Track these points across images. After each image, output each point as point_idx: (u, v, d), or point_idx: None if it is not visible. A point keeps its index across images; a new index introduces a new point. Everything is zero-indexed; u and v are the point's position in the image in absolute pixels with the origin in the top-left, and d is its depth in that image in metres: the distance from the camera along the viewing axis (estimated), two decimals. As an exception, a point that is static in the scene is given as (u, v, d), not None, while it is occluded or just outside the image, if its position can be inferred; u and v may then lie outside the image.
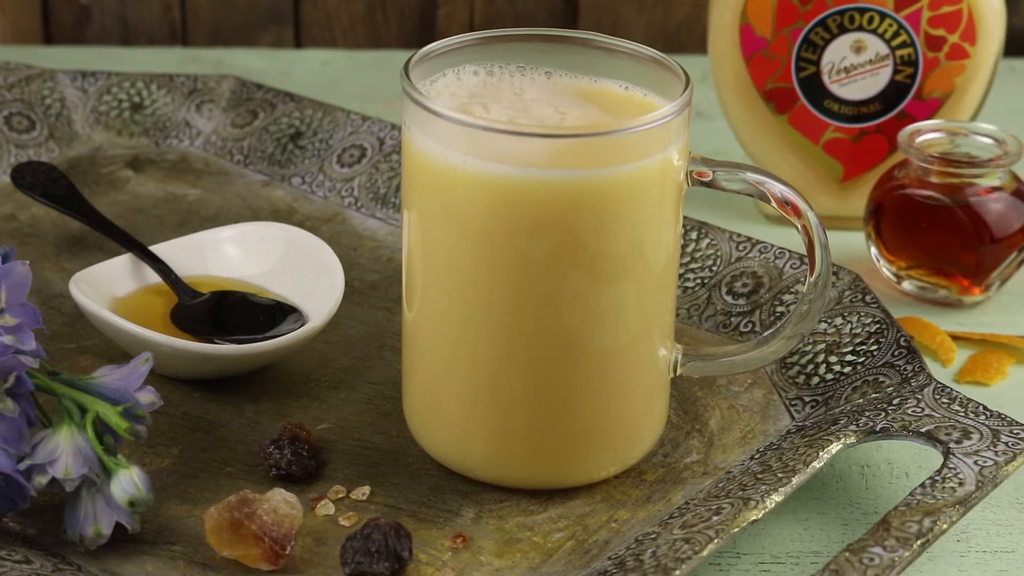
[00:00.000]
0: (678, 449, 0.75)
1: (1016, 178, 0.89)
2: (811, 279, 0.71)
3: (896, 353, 0.78)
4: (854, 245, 0.95)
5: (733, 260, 0.86)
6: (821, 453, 0.71)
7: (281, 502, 0.67)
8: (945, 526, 0.66)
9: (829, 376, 0.79)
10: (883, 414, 0.73)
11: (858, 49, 0.94)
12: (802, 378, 0.79)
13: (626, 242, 0.68)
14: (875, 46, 0.94)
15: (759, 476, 0.70)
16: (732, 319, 0.84)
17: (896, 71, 0.94)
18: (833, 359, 0.79)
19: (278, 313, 0.81)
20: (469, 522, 0.70)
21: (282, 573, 0.67)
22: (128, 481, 0.66)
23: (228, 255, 0.85)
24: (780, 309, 0.83)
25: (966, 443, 0.71)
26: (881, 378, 0.76)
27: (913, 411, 0.73)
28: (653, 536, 0.68)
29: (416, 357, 0.73)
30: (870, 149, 0.96)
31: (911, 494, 0.68)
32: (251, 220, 0.94)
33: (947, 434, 0.71)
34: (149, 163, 1.00)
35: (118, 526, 0.67)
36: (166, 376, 0.78)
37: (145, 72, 1.05)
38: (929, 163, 0.88)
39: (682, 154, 0.69)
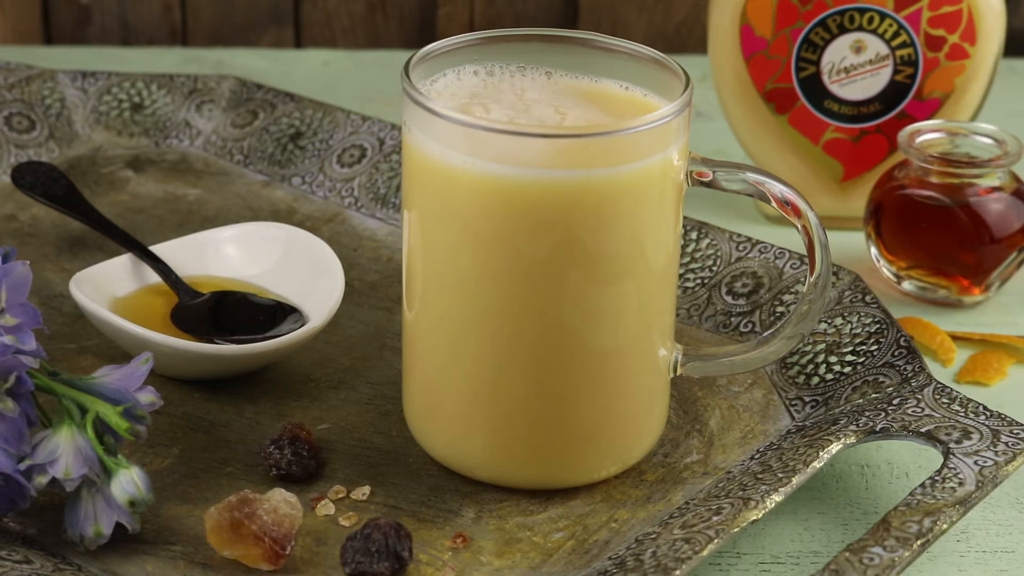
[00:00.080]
0: (678, 449, 0.75)
1: (1016, 178, 0.89)
2: (811, 279, 0.71)
3: (896, 353, 0.78)
4: (854, 245, 0.95)
5: (733, 260, 0.86)
6: (821, 453, 0.71)
7: (281, 502, 0.67)
8: (945, 526, 0.66)
9: (829, 376, 0.79)
10: (883, 414, 0.73)
11: (858, 49, 0.94)
12: (802, 378, 0.79)
13: (626, 242, 0.68)
14: (875, 46, 0.94)
15: (759, 476, 0.70)
16: (732, 319, 0.84)
17: (896, 71, 0.94)
18: (833, 359, 0.79)
19: (278, 313, 0.81)
20: (469, 522, 0.70)
21: (282, 573, 0.67)
22: (128, 481, 0.66)
23: (228, 255, 0.85)
24: (780, 309, 0.83)
25: (966, 443, 0.71)
26: (881, 378, 0.77)
27: (913, 411, 0.73)
28: (653, 536, 0.68)
29: (416, 357, 0.73)
30: (870, 149, 0.96)
31: (911, 494, 0.68)
32: (251, 220, 0.94)
33: (947, 434, 0.71)
34: (149, 163, 1.00)
35: (118, 526, 0.67)
36: (166, 376, 0.78)
37: (145, 72, 1.05)
38: (929, 163, 0.88)
39: (682, 154, 0.69)
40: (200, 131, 1.02)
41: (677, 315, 0.79)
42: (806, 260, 0.83)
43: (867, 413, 0.74)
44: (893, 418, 0.73)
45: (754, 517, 0.67)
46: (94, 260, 0.88)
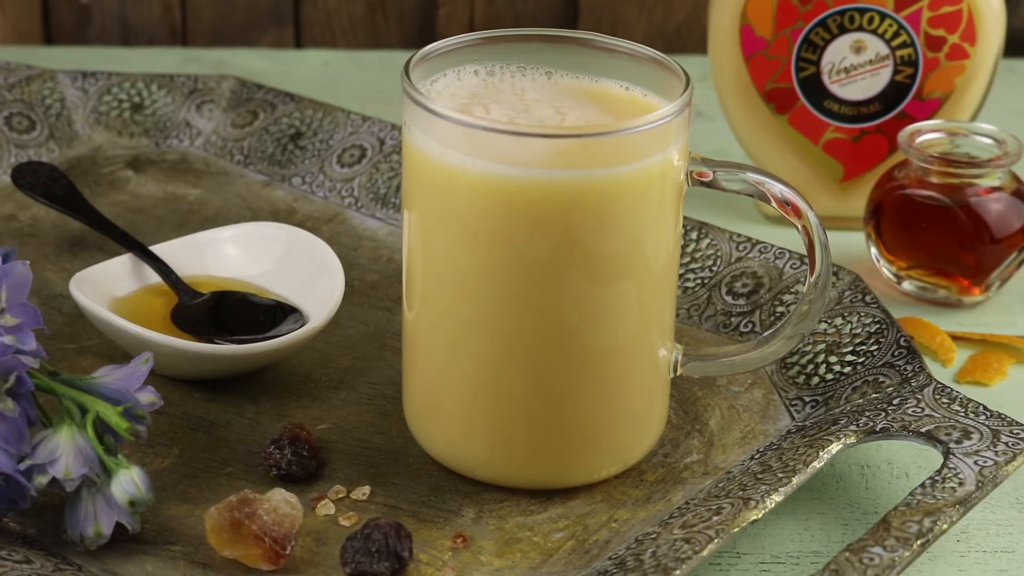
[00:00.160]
0: (678, 449, 0.75)
1: (1016, 178, 0.89)
2: (811, 279, 0.71)
3: (896, 353, 0.78)
4: (854, 245, 0.95)
5: (733, 260, 0.86)
6: (821, 453, 0.71)
7: (281, 502, 0.67)
8: (945, 526, 0.66)
9: (829, 376, 0.79)
10: (883, 414, 0.73)
11: (858, 49, 0.94)
12: (802, 378, 0.79)
13: (626, 242, 0.68)
14: (875, 46, 0.94)
15: (759, 476, 0.70)
16: (732, 319, 0.84)
17: (896, 71, 0.94)
18: (833, 359, 0.79)
19: (278, 313, 0.81)
20: (469, 522, 0.70)
21: (282, 573, 0.67)
22: (128, 481, 0.66)
23: (228, 255, 0.85)
24: (780, 309, 0.83)
25: (966, 443, 0.71)
26: (881, 378, 0.77)
27: (913, 411, 0.73)
28: (653, 536, 0.68)
29: (416, 357, 0.73)
30: (870, 149, 0.96)
31: (911, 494, 0.68)
32: (251, 220, 0.94)
33: (947, 434, 0.71)
34: (149, 163, 1.00)
35: (118, 526, 0.67)
36: (166, 376, 0.78)
37: (145, 72, 1.05)
38: (929, 163, 0.88)
39: (682, 154, 0.69)
40: (200, 131, 1.02)
41: (677, 315, 0.79)
42: (806, 260, 0.83)
43: (867, 413, 0.74)
44: (893, 418, 0.73)
45: (754, 517, 0.67)
46: (94, 260, 0.88)
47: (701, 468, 0.74)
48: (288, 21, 1.25)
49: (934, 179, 0.88)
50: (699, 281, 0.86)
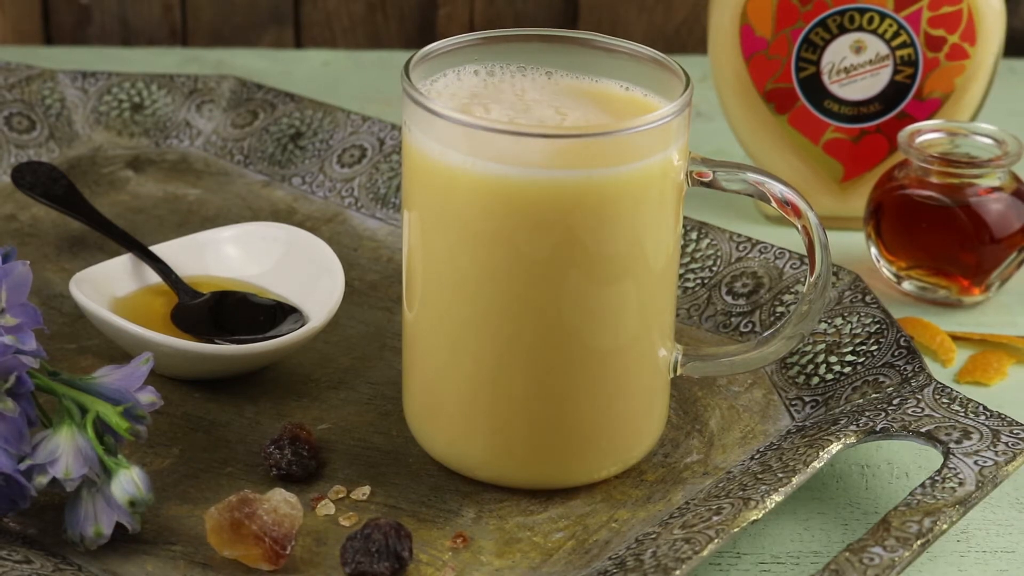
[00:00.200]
0: (678, 449, 0.75)
1: (1016, 178, 0.89)
2: (811, 279, 0.71)
3: (896, 353, 0.78)
4: (854, 245, 0.95)
5: (733, 260, 0.86)
6: (821, 453, 0.71)
7: (281, 502, 0.67)
8: (945, 526, 0.66)
9: (829, 376, 0.79)
10: (883, 414, 0.73)
11: (858, 49, 0.94)
12: (802, 378, 0.79)
13: (626, 242, 0.68)
14: (875, 46, 0.94)
15: (759, 476, 0.70)
16: (732, 319, 0.84)
17: (896, 71, 0.94)
18: (833, 359, 0.79)
19: (278, 313, 0.81)
20: (469, 522, 0.70)
21: (282, 573, 0.67)
22: (128, 481, 0.66)
23: (228, 255, 0.85)
24: (780, 309, 0.83)
25: (966, 443, 0.71)
26: (881, 378, 0.77)
27: (913, 411, 0.73)
28: (653, 536, 0.68)
29: (416, 357, 0.73)
30: (870, 149, 0.96)
31: (911, 494, 0.68)
32: (251, 220, 0.94)
33: (947, 434, 0.71)
34: (149, 163, 1.00)
35: (118, 526, 0.67)
36: (166, 376, 0.78)
37: (145, 72, 1.05)
38: (929, 163, 0.88)
39: (682, 154, 0.69)
40: (200, 131, 1.02)
41: (677, 315, 0.79)
42: (806, 260, 0.83)
43: (867, 413, 0.74)
44: (893, 418, 0.73)
45: (754, 517, 0.67)
46: (94, 260, 0.88)
47: (701, 468, 0.74)
48: (288, 21, 1.25)
49: (934, 179, 0.88)
50: (699, 281, 0.86)
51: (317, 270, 0.82)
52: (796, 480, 0.69)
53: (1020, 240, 0.88)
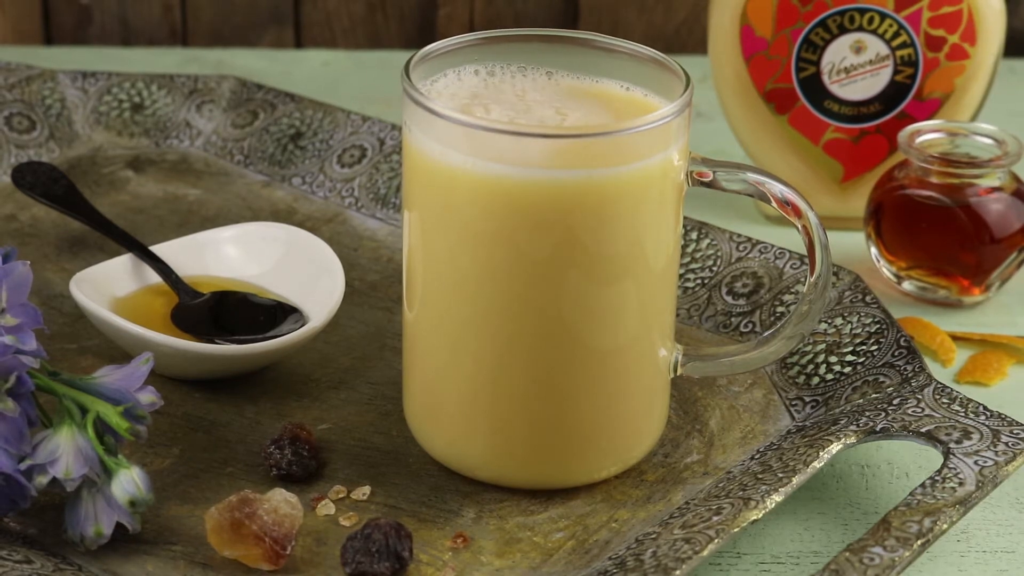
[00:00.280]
0: (678, 449, 0.75)
1: (1016, 178, 0.89)
2: (811, 279, 0.71)
3: (896, 353, 0.78)
4: (854, 245, 0.95)
5: (733, 260, 0.86)
6: (821, 453, 0.71)
7: (282, 502, 0.67)
8: (945, 526, 0.66)
9: (829, 376, 0.79)
10: (883, 414, 0.73)
11: (858, 49, 0.94)
12: (802, 378, 0.79)
13: (626, 242, 0.68)
14: (875, 46, 0.94)
15: (759, 476, 0.70)
16: (732, 319, 0.84)
17: (896, 71, 0.94)
18: (833, 359, 0.79)
19: (278, 313, 0.81)
20: (469, 522, 0.70)
21: (283, 573, 0.67)
22: (129, 481, 0.66)
23: (228, 255, 0.85)
24: (780, 309, 0.83)
25: (966, 443, 0.71)
26: (881, 378, 0.77)
27: (913, 411, 0.73)
28: (653, 536, 0.68)
29: (416, 357, 0.73)
30: (870, 149, 0.96)
31: (911, 494, 0.68)
32: (251, 220, 0.94)
33: (947, 434, 0.71)
34: (149, 163, 1.00)
35: (119, 526, 0.67)
36: (166, 376, 0.78)
37: (145, 72, 1.05)
38: (929, 163, 0.88)
39: (682, 154, 0.69)
40: (200, 131, 1.02)
41: (677, 315, 0.79)
42: (806, 260, 0.83)
43: (867, 413, 0.74)
44: (893, 418, 0.73)
45: (754, 517, 0.67)
46: (94, 260, 0.88)
47: (701, 468, 0.74)
48: (288, 21, 1.25)
49: (934, 179, 0.88)
50: (699, 281, 0.86)
51: (317, 270, 0.83)
52: (796, 480, 0.70)
53: (1020, 240, 0.88)
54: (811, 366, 0.79)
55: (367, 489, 0.72)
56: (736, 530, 0.67)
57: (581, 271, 0.68)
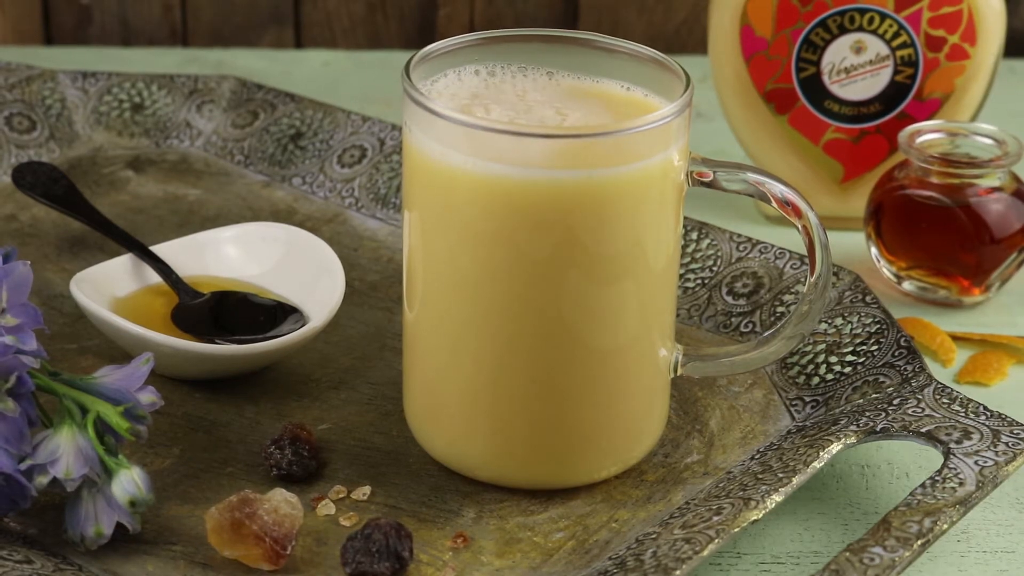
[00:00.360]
0: (678, 449, 0.75)
1: (1016, 179, 0.89)
2: (811, 279, 0.71)
3: (896, 353, 0.78)
4: (854, 245, 0.95)
5: (733, 260, 0.86)
6: (821, 453, 0.71)
7: (282, 502, 0.67)
8: (945, 526, 0.66)
9: (829, 376, 0.79)
10: (883, 414, 0.73)
11: (858, 50, 0.94)
12: (802, 378, 0.79)
13: (626, 242, 0.68)
14: (875, 47, 0.94)
15: (759, 476, 0.70)
16: (732, 319, 0.84)
17: (896, 72, 0.94)
18: (833, 359, 0.79)
19: (279, 313, 0.81)
20: (470, 522, 0.70)
21: (283, 573, 0.67)
22: (129, 481, 0.66)
23: (229, 255, 0.85)
24: (780, 309, 0.83)
25: (966, 443, 0.71)
26: (881, 378, 0.77)
27: (913, 411, 0.73)
28: (654, 536, 0.68)
29: (417, 357, 0.73)
30: (870, 149, 0.96)
31: (911, 494, 0.68)
32: (252, 220, 0.94)
33: (947, 434, 0.71)
34: (150, 163, 1.00)
35: (119, 526, 0.67)
36: (167, 376, 0.78)
37: (146, 73, 1.05)
38: (929, 163, 0.88)
39: (682, 154, 0.69)
40: (200, 131, 1.02)
41: (677, 315, 0.79)
42: (806, 260, 0.83)
43: (867, 413, 0.74)
44: (893, 418, 0.73)
45: (754, 517, 0.67)
46: (94, 260, 0.88)
47: (701, 468, 0.74)
48: (288, 21, 1.25)
49: (934, 179, 0.88)
50: (699, 281, 0.86)
51: (317, 270, 0.83)
52: (796, 480, 0.70)
53: (1020, 240, 0.88)
54: (811, 366, 0.79)
55: (367, 489, 0.72)
56: (736, 530, 0.67)
57: (581, 271, 0.68)
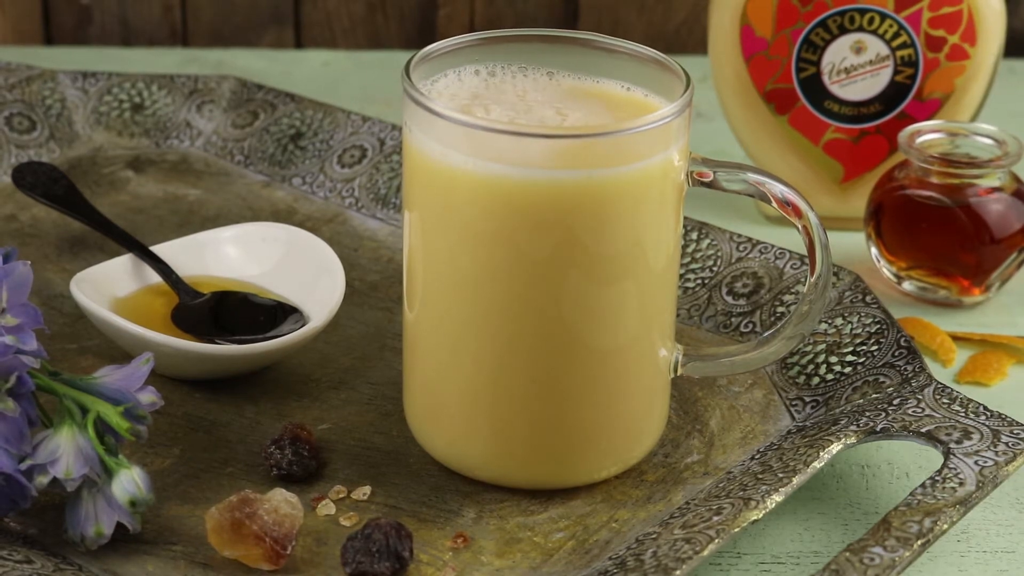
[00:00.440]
0: (678, 449, 0.75)
1: (1016, 179, 0.89)
2: (811, 279, 0.71)
3: (896, 353, 0.78)
4: (854, 246, 0.95)
5: (733, 260, 0.86)
6: (821, 453, 0.71)
7: (282, 502, 0.67)
8: (945, 526, 0.66)
9: (829, 376, 0.79)
10: (883, 414, 0.73)
11: (858, 50, 0.94)
12: (802, 378, 0.79)
13: (627, 242, 0.68)
14: (875, 47, 0.94)
15: (759, 476, 0.70)
16: (732, 319, 0.84)
17: (896, 72, 0.94)
18: (833, 359, 0.79)
19: (279, 313, 0.81)
20: (470, 522, 0.70)
21: (283, 573, 0.67)
22: (129, 481, 0.66)
23: (229, 255, 0.85)
24: (780, 309, 0.83)
25: (966, 443, 0.71)
26: (881, 378, 0.77)
27: (913, 411, 0.73)
28: (654, 536, 0.68)
29: (417, 357, 0.73)
30: (870, 150, 0.96)
31: (911, 494, 0.68)
32: (252, 220, 0.94)
33: (947, 434, 0.71)
34: (150, 163, 1.00)
35: (119, 526, 0.67)
36: (167, 376, 0.78)
37: (146, 73, 1.05)
38: (929, 164, 0.88)
39: (683, 154, 0.69)
40: (200, 131, 1.02)
41: (677, 315, 0.79)
42: (806, 260, 0.83)
43: (867, 413, 0.74)
44: (893, 418, 0.73)
45: (754, 517, 0.67)
46: (95, 260, 0.88)
47: (701, 468, 0.74)
48: (288, 21, 1.25)
49: (934, 179, 0.88)
50: (699, 281, 0.86)
51: (317, 270, 0.83)
52: (796, 480, 0.70)
53: (1020, 240, 0.88)
54: (811, 366, 0.79)
55: (367, 489, 0.72)
56: (736, 530, 0.67)
57: (581, 271, 0.68)
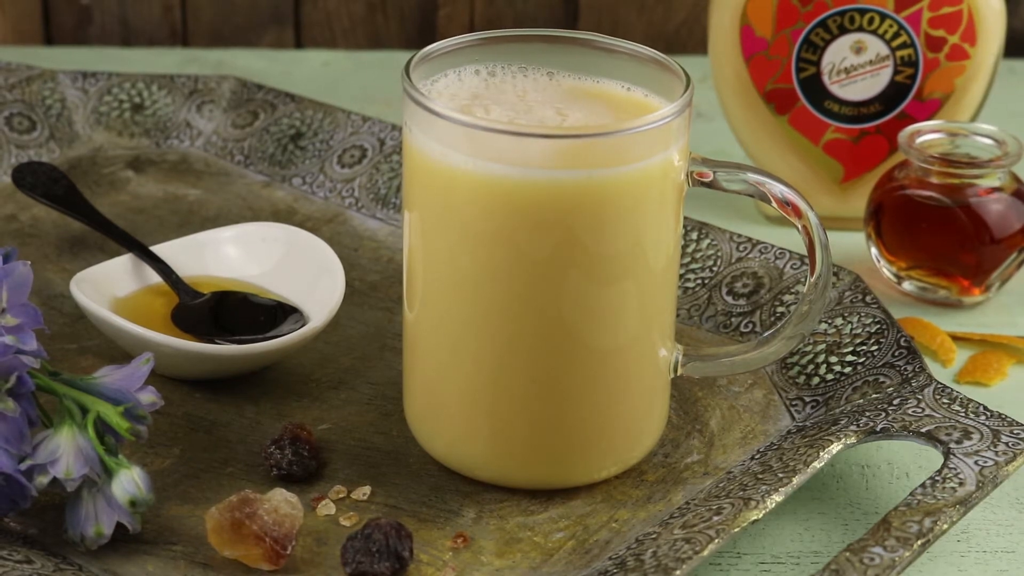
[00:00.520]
0: (678, 449, 0.75)
1: (1016, 179, 0.89)
2: (811, 279, 0.71)
3: (896, 353, 0.78)
4: (854, 246, 0.95)
5: (733, 260, 0.86)
6: (821, 453, 0.71)
7: (282, 502, 0.67)
8: (945, 526, 0.66)
9: (829, 376, 0.79)
10: (883, 414, 0.73)
11: (858, 50, 0.94)
12: (802, 378, 0.79)
13: (626, 242, 0.68)
14: (875, 47, 0.94)
15: (759, 476, 0.70)
16: (732, 319, 0.84)
17: (896, 72, 0.94)
18: (833, 359, 0.79)
19: (279, 313, 0.81)
20: (470, 522, 0.70)
21: (283, 573, 0.67)
22: (129, 481, 0.66)
23: (229, 255, 0.85)
24: (780, 309, 0.83)
25: (966, 443, 0.71)
26: (881, 378, 0.77)
27: (913, 411, 0.73)
28: (654, 536, 0.68)
29: (417, 357, 0.73)
30: (870, 150, 0.96)
31: (911, 494, 0.68)
32: (252, 220, 0.94)
33: (947, 434, 0.71)
34: (150, 164, 1.00)
35: (119, 526, 0.67)
36: (167, 376, 0.78)
37: (146, 73, 1.05)
38: (929, 164, 0.88)
39: (683, 155, 0.69)
40: (201, 131, 1.02)
41: (677, 315, 0.79)
42: (806, 260, 0.83)
43: (867, 413, 0.74)
44: (893, 418, 0.73)
45: (754, 517, 0.67)
46: (95, 260, 0.88)
47: (701, 468, 0.74)
48: (288, 21, 1.25)
49: (934, 179, 0.88)
50: (699, 281, 0.86)
51: (317, 270, 0.83)
52: (796, 480, 0.70)
53: (1020, 240, 0.88)
54: (811, 366, 0.79)
55: (367, 489, 0.72)
56: (736, 530, 0.67)
57: (581, 271, 0.68)
